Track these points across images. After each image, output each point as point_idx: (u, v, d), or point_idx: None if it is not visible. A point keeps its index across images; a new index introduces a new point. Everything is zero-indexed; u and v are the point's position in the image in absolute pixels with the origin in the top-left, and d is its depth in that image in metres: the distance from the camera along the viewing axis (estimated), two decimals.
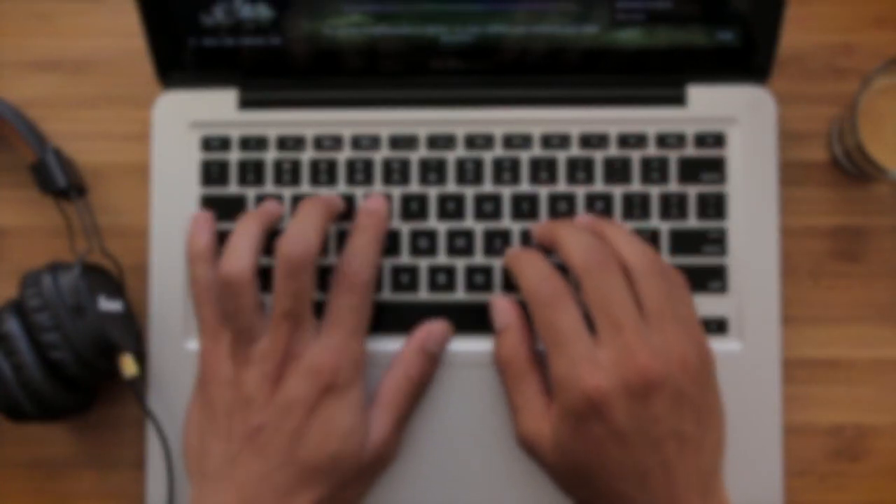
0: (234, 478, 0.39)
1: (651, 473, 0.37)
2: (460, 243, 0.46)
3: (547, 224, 0.44)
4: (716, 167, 0.46)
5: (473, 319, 0.46)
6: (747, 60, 0.46)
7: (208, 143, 0.47)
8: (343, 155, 0.47)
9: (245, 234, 0.42)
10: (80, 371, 0.43)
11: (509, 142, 0.47)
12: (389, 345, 0.45)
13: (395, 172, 0.47)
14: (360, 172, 0.47)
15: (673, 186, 0.46)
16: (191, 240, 0.44)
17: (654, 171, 0.46)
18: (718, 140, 0.46)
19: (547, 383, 0.42)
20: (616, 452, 0.37)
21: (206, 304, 0.42)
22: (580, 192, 0.46)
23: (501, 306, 0.44)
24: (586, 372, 0.37)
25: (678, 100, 0.47)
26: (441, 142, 0.47)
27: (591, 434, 0.38)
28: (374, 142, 0.47)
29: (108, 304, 0.45)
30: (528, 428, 0.41)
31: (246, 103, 0.47)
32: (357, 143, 0.47)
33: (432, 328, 0.45)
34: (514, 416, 0.42)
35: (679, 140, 0.46)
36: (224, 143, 0.47)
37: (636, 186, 0.46)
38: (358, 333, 0.41)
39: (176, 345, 0.46)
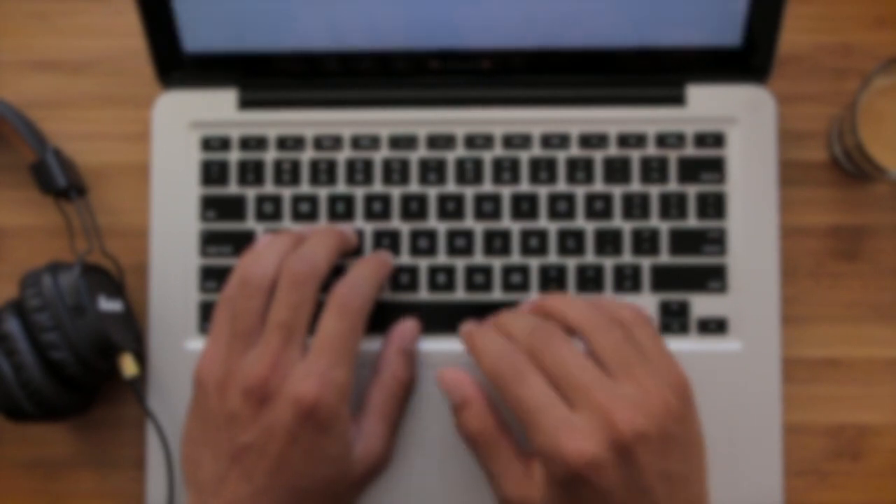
0: (223, 496, 0.39)
1: None
2: (460, 243, 0.46)
3: (468, 331, 0.42)
4: (715, 167, 0.46)
5: (474, 319, 0.46)
6: (747, 60, 0.46)
7: (208, 143, 0.47)
8: (343, 155, 0.47)
9: (276, 245, 0.42)
10: (80, 371, 0.43)
11: (509, 142, 0.47)
12: None
13: (395, 172, 0.47)
14: (359, 172, 0.47)
15: (672, 186, 0.46)
16: (259, 260, 0.41)
17: (654, 170, 0.46)
18: (718, 140, 0.46)
19: (518, 445, 0.40)
20: None
21: (226, 309, 0.42)
22: (580, 191, 0.46)
23: (452, 381, 0.41)
24: (566, 439, 0.36)
25: (678, 100, 0.47)
26: (441, 142, 0.47)
27: (581, 498, 0.37)
28: (373, 142, 0.47)
29: (108, 304, 0.45)
30: (512, 494, 0.39)
31: (246, 103, 0.47)
32: (357, 143, 0.47)
33: (406, 327, 0.45)
34: (494, 483, 0.40)
35: (679, 140, 0.46)
36: (224, 143, 0.47)
37: (636, 186, 0.46)
38: (344, 360, 0.40)
39: (176, 345, 0.46)
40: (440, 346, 0.46)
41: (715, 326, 0.46)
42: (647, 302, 0.46)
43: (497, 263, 0.46)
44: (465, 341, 0.42)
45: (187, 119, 0.47)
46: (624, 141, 0.46)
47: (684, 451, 0.38)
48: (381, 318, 0.45)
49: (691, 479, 0.38)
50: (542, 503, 0.38)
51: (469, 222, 0.46)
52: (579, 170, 0.46)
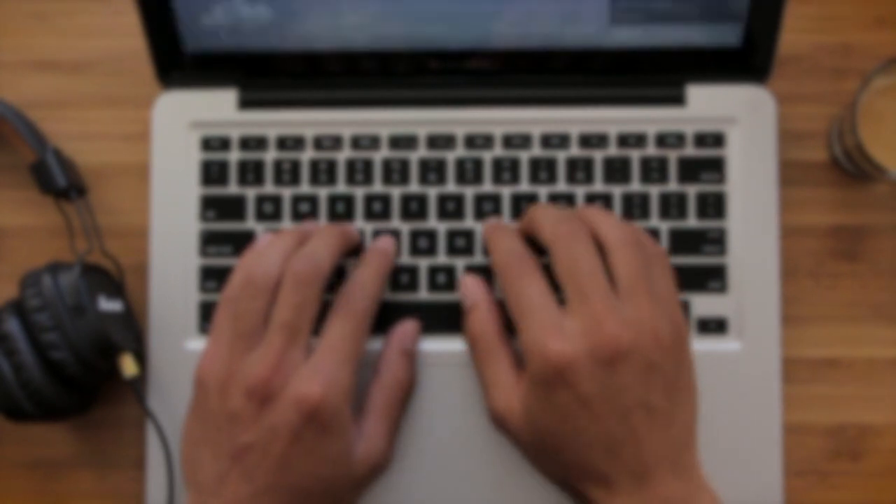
0: (224, 496, 0.39)
1: (620, 444, 0.37)
2: (460, 243, 0.46)
3: (525, 214, 0.45)
4: (715, 167, 0.46)
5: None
6: (747, 60, 0.46)
7: (208, 143, 0.47)
8: (343, 155, 0.47)
9: (281, 245, 0.42)
10: (80, 371, 0.43)
11: (509, 142, 0.47)
12: None
13: (395, 172, 0.47)
14: (359, 172, 0.47)
15: (672, 186, 0.46)
16: (262, 260, 0.41)
17: (654, 170, 0.46)
18: (718, 140, 0.46)
19: (517, 359, 0.42)
20: (583, 421, 0.38)
21: (228, 309, 0.41)
22: (580, 191, 0.46)
23: (469, 284, 0.45)
24: (552, 338, 0.38)
25: (678, 99, 0.47)
26: (441, 142, 0.47)
27: (558, 401, 0.38)
28: (373, 142, 0.47)
29: (108, 304, 0.45)
30: (499, 402, 0.41)
31: (246, 103, 0.47)
32: (357, 143, 0.47)
33: (406, 328, 0.45)
34: (485, 391, 0.42)
35: (678, 140, 0.46)
36: (224, 143, 0.47)
37: (636, 186, 0.46)
38: (349, 363, 0.40)
39: (176, 345, 0.46)
40: (440, 346, 0.46)
41: (715, 326, 0.46)
42: None
43: None
44: (485, 234, 0.45)
45: (187, 119, 0.47)
46: (624, 141, 0.46)
47: (669, 389, 0.38)
48: (381, 318, 0.45)
49: (676, 422, 0.39)
50: (522, 407, 0.40)
51: (469, 222, 0.46)
52: (579, 170, 0.46)
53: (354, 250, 0.46)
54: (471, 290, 0.45)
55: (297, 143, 0.47)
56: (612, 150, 0.46)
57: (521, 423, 0.40)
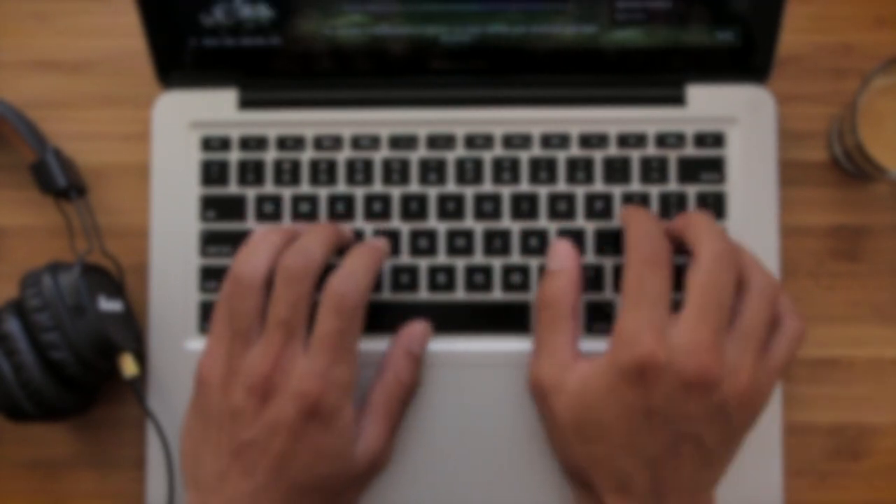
0: (224, 493, 0.39)
1: (660, 463, 0.38)
2: (460, 243, 0.46)
3: (686, 216, 0.43)
4: (715, 167, 0.46)
5: (474, 319, 0.46)
6: (747, 60, 0.46)
7: (208, 143, 0.47)
8: (343, 155, 0.47)
9: (267, 241, 0.42)
10: (80, 371, 0.43)
11: (509, 142, 0.47)
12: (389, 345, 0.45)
13: (395, 172, 0.47)
14: (359, 172, 0.47)
15: (672, 186, 0.46)
16: (249, 259, 0.41)
17: (654, 170, 0.46)
18: (718, 140, 0.46)
19: (578, 338, 0.42)
20: (638, 427, 0.38)
21: (223, 308, 0.42)
22: (580, 191, 0.46)
23: (562, 249, 0.44)
24: (651, 337, 0.37)
25: (678, 99, 0.47)
26: (441, 142, 0.47)
27: (624, 396, 0.38)
28: (374, 142, 0.47)
29: (108, 304, 0.45)
30: (547, 372, 0.40)
31: (246, 103, 0.47)
32: (357, 143, 0.47)
33: (414, 329, 0.45)
34: (536, 356, 0.42)
35: (678, 140, 0.46)
36: (224, 143, 0.47)
37: (636, 186, 0.46)
38: (344, 358, 0.40)
39: (176, 345, 0.46)
40: (440, 346, 0.46)
41: None
42: None
43: (497, 263, 0.46)
44: (626, 213, 0.44)
45: (187, 119, 0.47)
46: (624, 141, 0.46)
47: (727, 439, 0.39)
48: (382, 317, 0.45)
49: (715, 466, 0.39)
50: (580, 385, 0.39)
51: (469, 222, 0.46)
52: (579, 170, 0.46)
53: (347, 246, 0.46)
54: (562, 255, 0.43)
55: (297, 143, 0.47)
56: (612, 150, 0.46)
57: (569, 400, 0.39)
